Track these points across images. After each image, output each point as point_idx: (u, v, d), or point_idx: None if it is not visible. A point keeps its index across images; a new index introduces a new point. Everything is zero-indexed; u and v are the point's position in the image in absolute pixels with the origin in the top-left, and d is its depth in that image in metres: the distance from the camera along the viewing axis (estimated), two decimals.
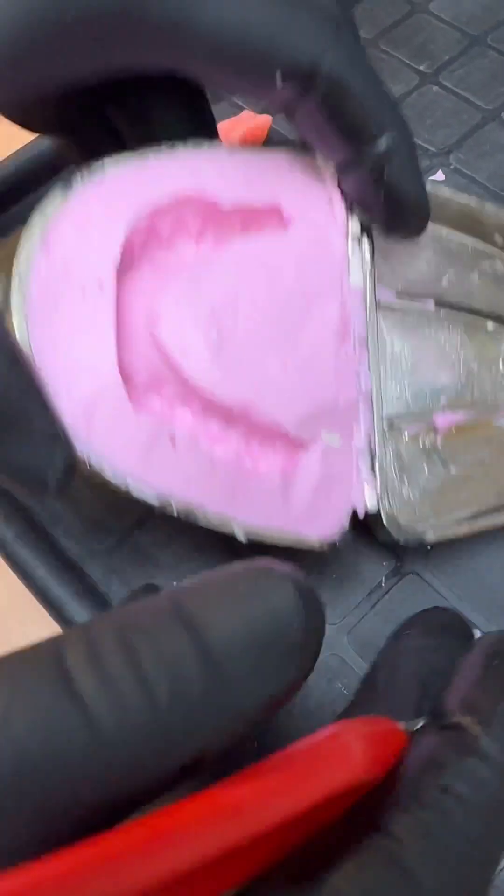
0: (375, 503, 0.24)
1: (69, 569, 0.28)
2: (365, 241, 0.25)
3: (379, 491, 0.24)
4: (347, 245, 0.24)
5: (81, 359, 0.20)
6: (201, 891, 0.12)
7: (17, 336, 0.20)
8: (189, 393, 0.22)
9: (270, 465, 0.23)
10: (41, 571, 0.27)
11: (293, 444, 0.23)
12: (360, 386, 0.24)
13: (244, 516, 0.22)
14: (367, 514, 0.24)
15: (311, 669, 0.13)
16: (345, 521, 0.24)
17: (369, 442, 0.24)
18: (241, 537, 0.22)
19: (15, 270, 0.20)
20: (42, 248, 0.20)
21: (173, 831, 0.11)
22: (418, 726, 0.15)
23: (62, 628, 0.27)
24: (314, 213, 0.24)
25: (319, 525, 0.23)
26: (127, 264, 0.22)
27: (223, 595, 0.13)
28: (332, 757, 0.13)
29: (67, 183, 0.21)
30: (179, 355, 0.22)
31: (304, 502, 0.23)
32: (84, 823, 0.12)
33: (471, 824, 0.13)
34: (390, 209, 0.23)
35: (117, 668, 0.12)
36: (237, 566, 0.14)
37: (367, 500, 0.24)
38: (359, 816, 0.14)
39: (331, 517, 0.23)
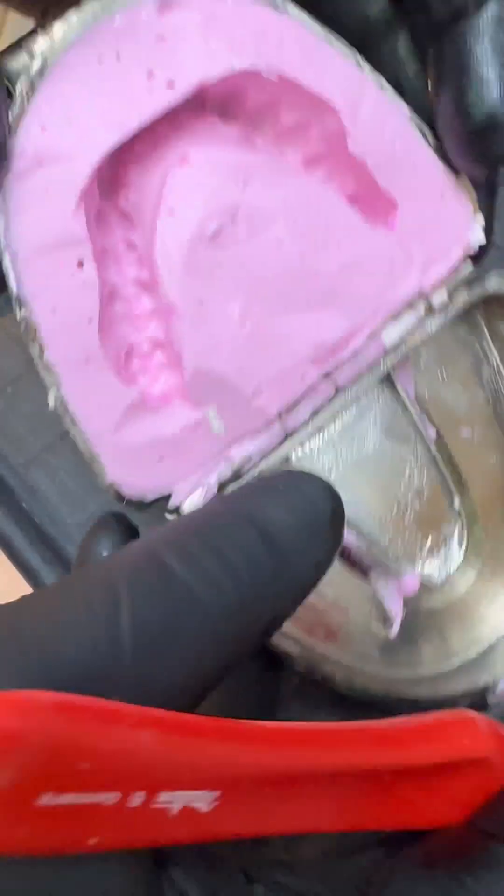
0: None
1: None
2: (435, 320, 0.21)
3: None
4: (418, 299, 0.21)
5: None
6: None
7: None
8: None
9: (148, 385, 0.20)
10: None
11: (180, 393, 0.20)
12: (286, 423, 0.21)
13: None
14: None
15: (341, 538, 0.17)
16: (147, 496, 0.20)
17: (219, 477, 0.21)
18: None
19: None
20: None
21: (336, 736, 0.15)
22: None
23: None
24: (419, 240, 0.20)
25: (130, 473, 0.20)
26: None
27: (270, 494, 0.16)
28: (462, 726, 0.16)
29: None
30: (165, 214, 0.19)
31: (135, 442, 0.20)
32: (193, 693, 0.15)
33: None
34: None
35: (209, 562, 0.15)
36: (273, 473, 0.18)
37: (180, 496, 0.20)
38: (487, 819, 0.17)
39: (143, 478, 0.20)
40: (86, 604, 0.14)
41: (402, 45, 0.21)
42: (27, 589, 0.29)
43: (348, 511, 0.17)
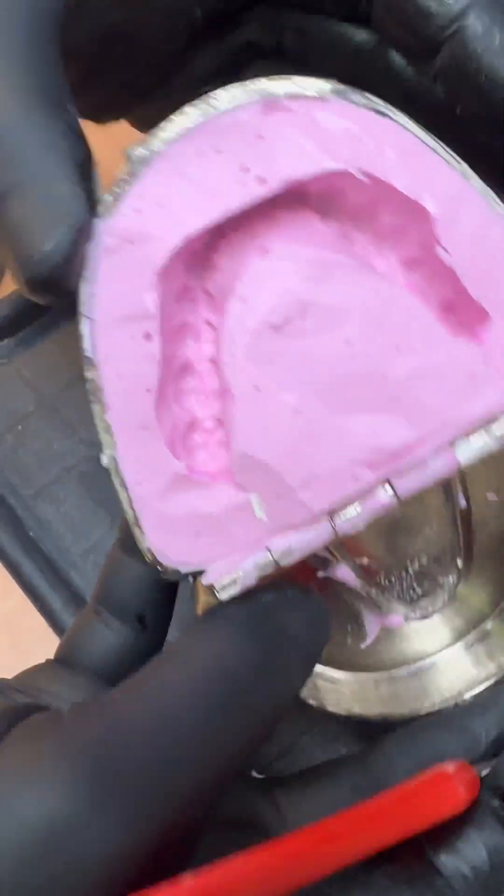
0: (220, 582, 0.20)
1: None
2: None
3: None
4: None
5: None
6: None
7: None
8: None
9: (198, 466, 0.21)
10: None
11: (228, 474, 0.20)
12: (337, 524, 0.20)
13: None
14: None
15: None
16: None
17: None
18: None
19: None
20: None
21: (336, 836, 0.17)
22: (484, 773, 0.20)
23: None
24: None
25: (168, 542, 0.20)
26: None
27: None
28: (443, 794, 0.19)
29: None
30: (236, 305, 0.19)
31: (177, 514, 0.20)
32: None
33: (492, 881, 0.18)
34: None
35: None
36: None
37: (215, 575, 0.20)
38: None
39: (179, 550, 0.20)
40: None
41: (395, 61, 0.22)
42: (34, 612, 0.32)
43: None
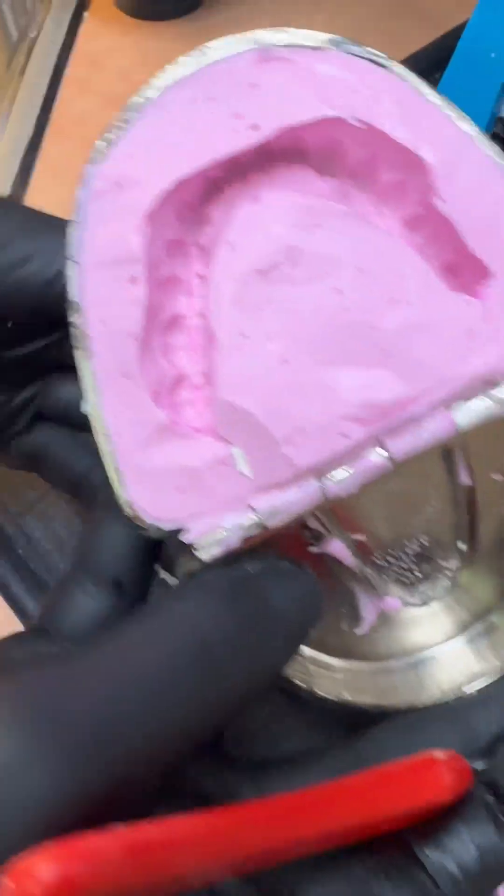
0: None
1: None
2: None
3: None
4: None
5: None
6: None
7: None
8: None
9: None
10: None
11: (213, 431, 0.19)
12: (326, 487, 0.19)
13: None
14: None
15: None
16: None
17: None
18: None
19: None
20: None
21: (302, 807, 0.16)
22: (481, 769, 0.19)
23: None
24: None
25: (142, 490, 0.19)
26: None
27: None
28: (427, 778, 0.17)
29: None
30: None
31: (159, 466, 0.19)
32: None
33: (482, 883, 0.18)
34: None
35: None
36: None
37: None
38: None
39: (160, 505, 0.19)
40: None
41: None
42: (21, 629, 0.31)
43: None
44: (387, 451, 0.19)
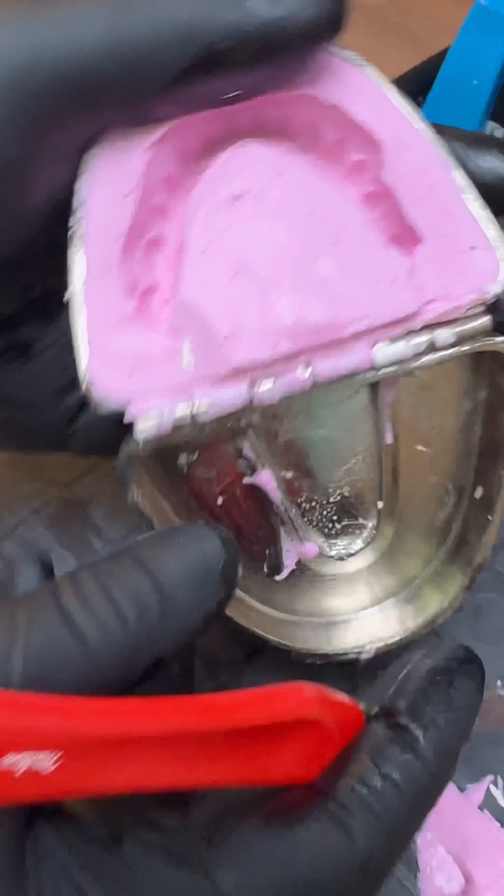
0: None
1: None
2: (435, 356, 0.22)
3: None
4: (421, 331, 0.22)
5: None
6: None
7: None
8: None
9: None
10: None
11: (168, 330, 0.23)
12: (253, 393, 0.22)
13: None
14: None
15: (234, 587, 0.19)
16: None
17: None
18: None
19: None
20: None
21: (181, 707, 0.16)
22: (374, 712, 0.19)
23: None
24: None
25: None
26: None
27: (167, 544, 0.18)
28: (288, 693, 0.18)
29: None
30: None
31: (117, 349, 0.22)
32: None
33: (400, 806, 0.18)
34: None
35: (99, 602, 0.17)
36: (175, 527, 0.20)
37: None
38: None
39: (112, 383, 0.22)
40: None
41: None
42: None
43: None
44: (311, 368, 0.22)
